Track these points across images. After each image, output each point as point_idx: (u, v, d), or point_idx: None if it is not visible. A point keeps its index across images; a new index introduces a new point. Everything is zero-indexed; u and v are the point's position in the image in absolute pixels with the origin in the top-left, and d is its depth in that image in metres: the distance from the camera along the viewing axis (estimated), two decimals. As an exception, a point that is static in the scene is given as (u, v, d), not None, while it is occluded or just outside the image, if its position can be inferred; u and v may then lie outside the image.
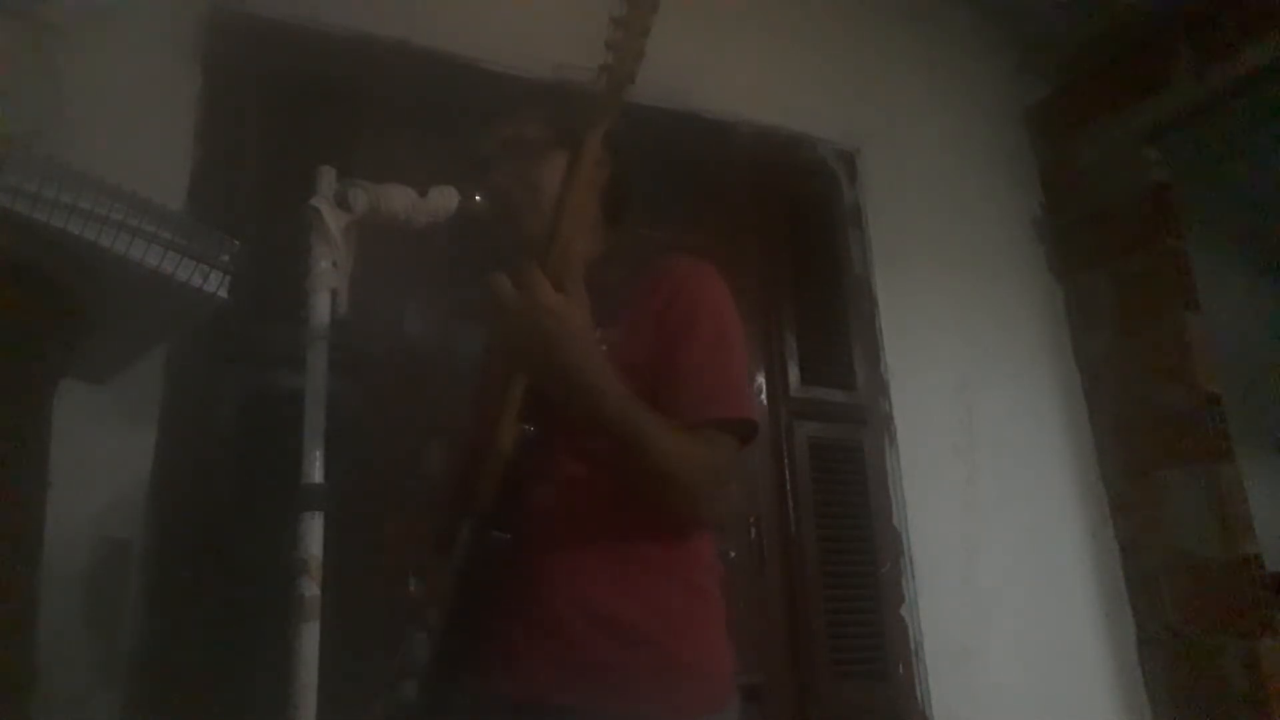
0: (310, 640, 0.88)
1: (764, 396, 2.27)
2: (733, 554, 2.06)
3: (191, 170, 1.74)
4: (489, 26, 2.13)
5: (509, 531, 1.02)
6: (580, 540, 1.04)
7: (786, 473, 2.20)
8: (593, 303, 1.06)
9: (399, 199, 1.04)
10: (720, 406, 1.04)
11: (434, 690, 0.99)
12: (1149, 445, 2.63)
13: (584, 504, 1.06)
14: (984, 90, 3.02)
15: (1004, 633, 2.35)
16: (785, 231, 2.44)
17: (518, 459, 1.02)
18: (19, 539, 0.99)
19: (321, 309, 0.98)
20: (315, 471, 0.93)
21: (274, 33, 1.89)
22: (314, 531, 0.91)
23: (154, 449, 1.59)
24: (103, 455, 1.51)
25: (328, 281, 0.99)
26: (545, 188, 1.11)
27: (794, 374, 2.30)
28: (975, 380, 2.58)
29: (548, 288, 0.93)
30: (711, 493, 1.04)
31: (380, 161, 1.64)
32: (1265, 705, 2.30)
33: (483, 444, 1.03)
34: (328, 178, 1.03)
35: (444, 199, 1.08)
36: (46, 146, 1.37)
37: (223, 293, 1.11)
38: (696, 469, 1.00)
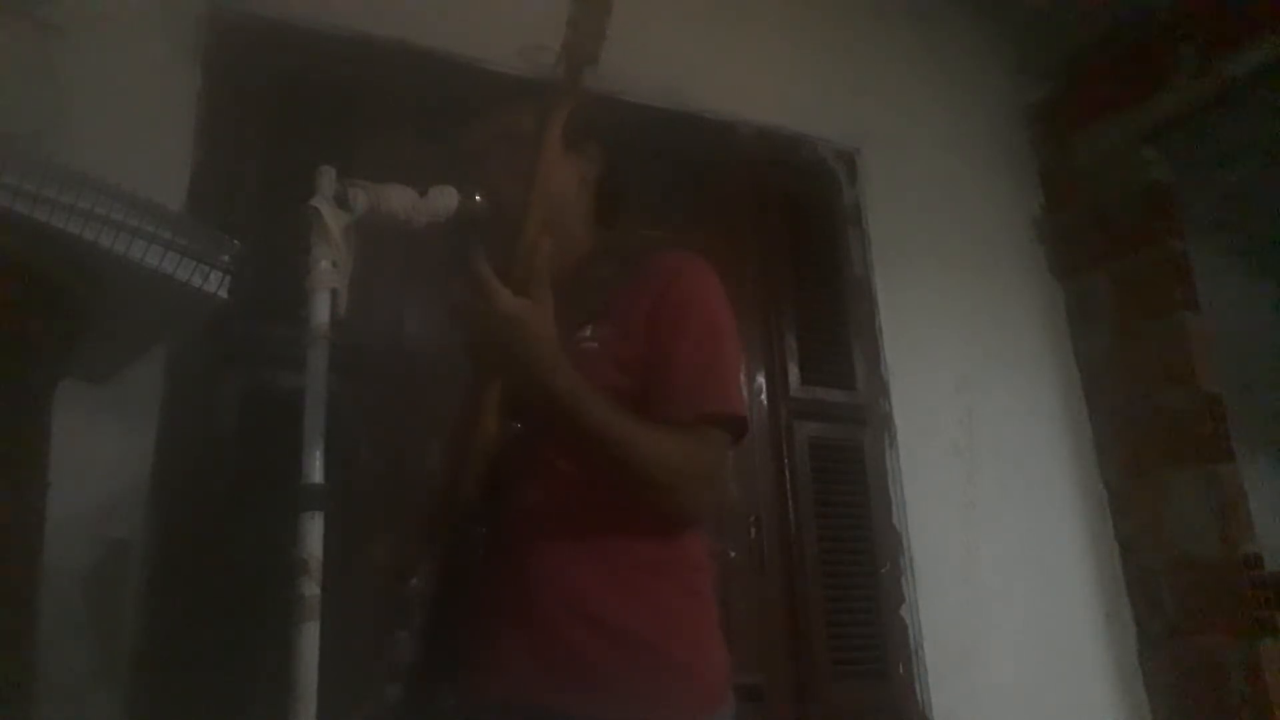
0: (310, 640, 0.88)
1: (764, 396, 2.26)
2: (733, 554, 2.06)
3: (191, 170, 1.74)
4: (489, 26, 2.12)
5: (497, 530, 1.01)
6: (569, 539, 1.03)
7: (786, 473, 2.20)
8: (584, 299, 1.06)
9: (399, 199, 1.04)
10: (711, 402, 1.03)
11: (421, 691, 0.98)
12: (1149, 445, 2.63)
13: (573, 502, 1.04)
14: (984, 90, 3.02)
15: (1004, 633, 2.35)
16: (785, 231, 2.44)
17: (506, 456, 1.01)
18: (19, 539, 0.99)
19: (321, 309, 0.98)
20: (315, 471, 0.93)
21: (274, 33, 1.89)
22: (314, 531, 0.91)
23: (154, 449, 1.59)
24: (103, 455, 1.51)
25: (328, 281, 0.99)
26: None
27: (794, 374, 2.30)
28: (975, 380, 2.58)
29: (504, 294, 0.92)
30: (698, 489, 1.02)
31: (380, 161, 1.64)
32: (1266, 706, 2.30)
33: (468, 441, 1.03)
34: (328, 178, 1.02)
35: (444, 199, 1.07)
36: (46, 146, 1.38)
37: (223, 293, 1.12)
38: (678, 466, 0.99)
